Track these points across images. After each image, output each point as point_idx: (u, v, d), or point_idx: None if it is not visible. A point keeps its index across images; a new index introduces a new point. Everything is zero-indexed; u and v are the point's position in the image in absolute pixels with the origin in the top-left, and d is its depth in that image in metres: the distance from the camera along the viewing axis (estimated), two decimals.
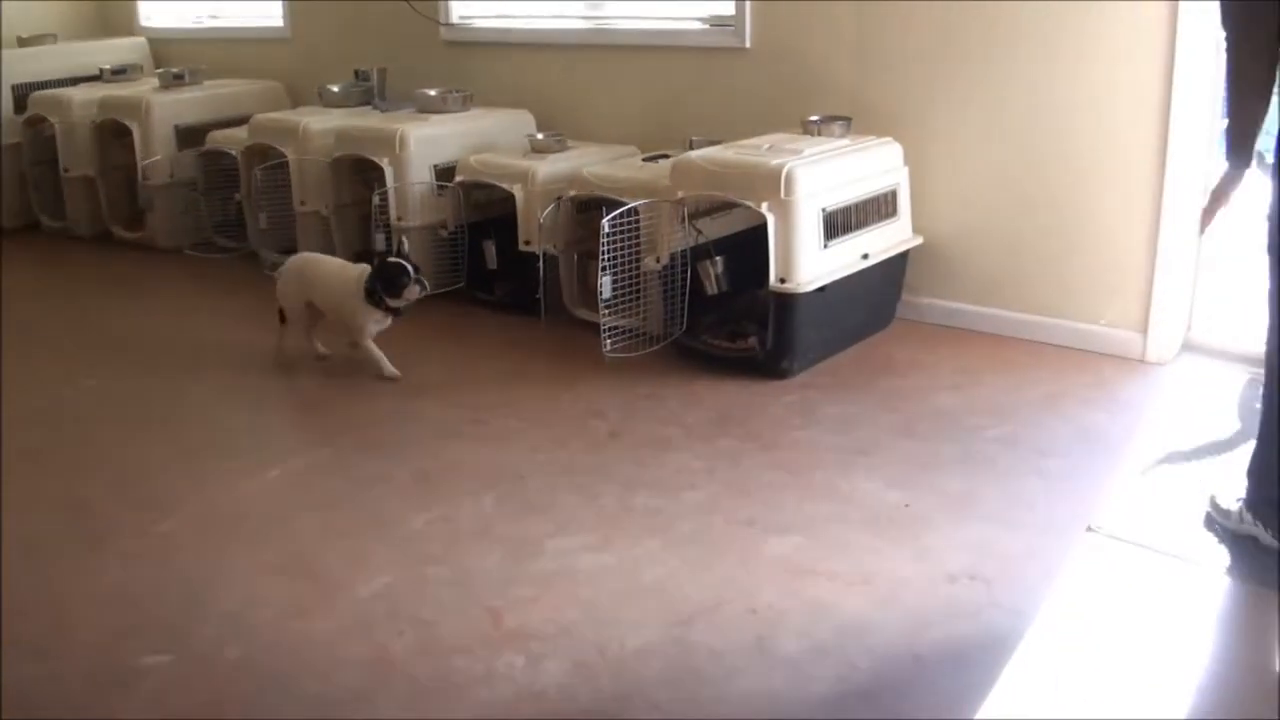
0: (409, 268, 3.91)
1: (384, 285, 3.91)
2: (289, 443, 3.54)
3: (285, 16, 6.23)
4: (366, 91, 5.50)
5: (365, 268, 3.99)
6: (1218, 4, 2.54)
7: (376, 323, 3.99)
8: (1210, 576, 2.66)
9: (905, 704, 2.22)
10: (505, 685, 2.29)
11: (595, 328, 3.95)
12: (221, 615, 2.55)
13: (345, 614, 2.54)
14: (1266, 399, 2.72)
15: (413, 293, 3.93)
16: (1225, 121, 2.57)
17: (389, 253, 4.09)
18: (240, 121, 5.47)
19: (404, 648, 2.42)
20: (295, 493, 3.15)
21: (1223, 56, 2.54)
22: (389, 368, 3.97)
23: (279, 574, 2.71)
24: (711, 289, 4.02)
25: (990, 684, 2.26)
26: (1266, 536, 2.73)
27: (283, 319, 4.14)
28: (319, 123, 5.11)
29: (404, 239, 4.23)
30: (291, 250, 5.22)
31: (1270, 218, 2.60)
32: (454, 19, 5.59)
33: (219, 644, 2.44)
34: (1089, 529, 2.86)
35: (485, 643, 2.42)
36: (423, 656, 2.38)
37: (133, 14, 6.95)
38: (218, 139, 5.48)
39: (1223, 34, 2.52)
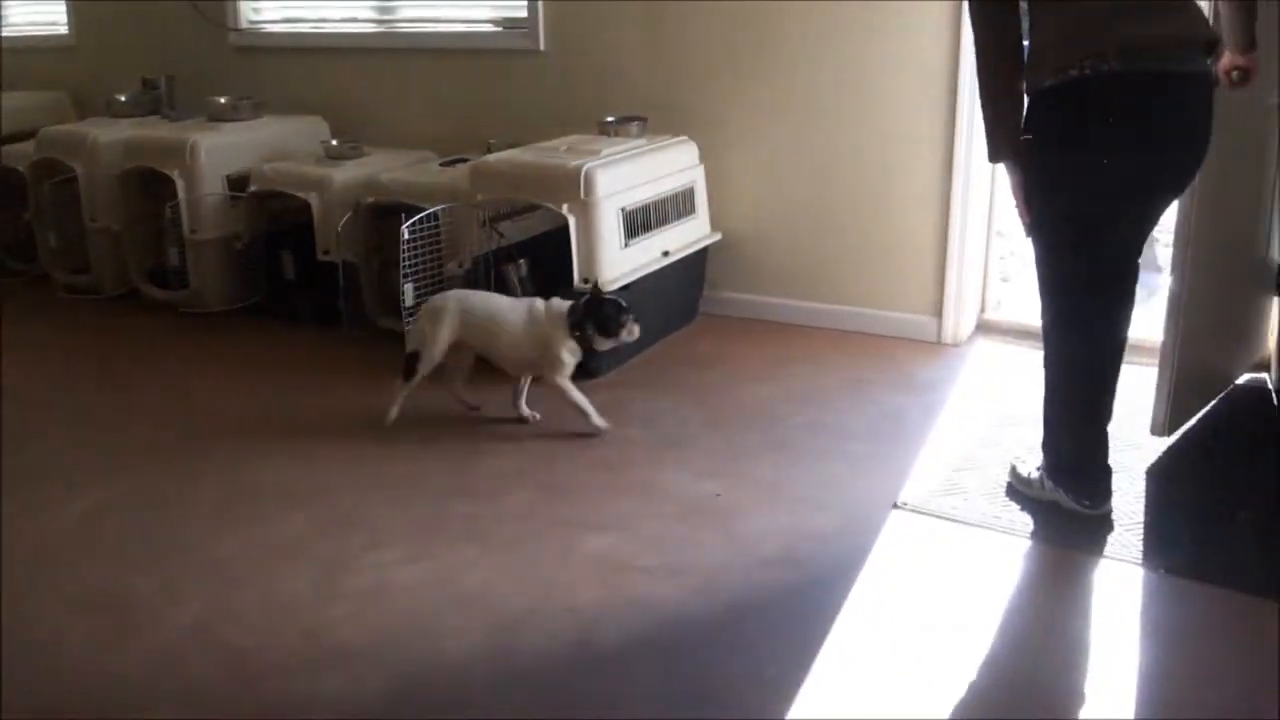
0: (625, 304, 3.46)
1: (598, 324, 3.42)
2: (88, 474, 3.40)
3: (70, 23, 5.96)
4: (155, 100, 5.32)
5: (545, 302, 3.49)
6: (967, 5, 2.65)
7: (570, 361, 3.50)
8: (1016, 543, 2.78)
9: (729, 689, 2.26)
10: (328, 707, 2.24)
11: (400, 336, 3.91)
12: (30, 653, 2.43)
13: (155, 646, 2.46)
14: (1046, 374, 2.87)
15: (632, 332, 3.47)
16: (985, 120, 2.67)
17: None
18: (26, 136, 5.22)
19: (220, 677, 2.35)
20: (95, 526, 3.02)
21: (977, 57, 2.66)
22: (596, 417, 3.46)
23: (84, 610, 2.60)
24: (516, 291, 4.02)
25: (810, 662, 2.32)
26: (1067, 501, 2.87)
27: (411, 372, 3.53)
28: (108, 134, 4.91)
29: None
30: (84, 270, 5.02)
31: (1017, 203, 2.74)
32: (243, 23, 5.44)
33: (28, 686, 2.33)
34: (896, 505, 2.96)
35: (306, 665, 2.37)
36: (241, 685, 2.32)
37: None
38: (2, 155, 5.22)
39: (975, 35, 2.64)
